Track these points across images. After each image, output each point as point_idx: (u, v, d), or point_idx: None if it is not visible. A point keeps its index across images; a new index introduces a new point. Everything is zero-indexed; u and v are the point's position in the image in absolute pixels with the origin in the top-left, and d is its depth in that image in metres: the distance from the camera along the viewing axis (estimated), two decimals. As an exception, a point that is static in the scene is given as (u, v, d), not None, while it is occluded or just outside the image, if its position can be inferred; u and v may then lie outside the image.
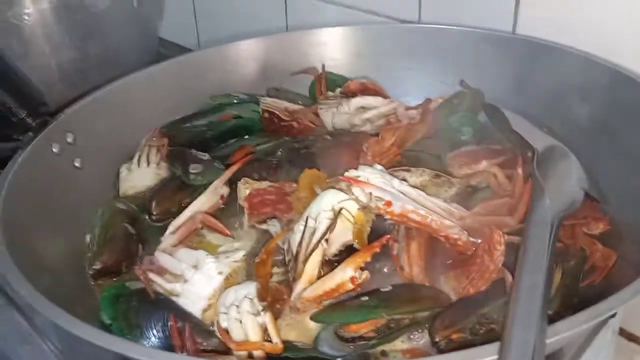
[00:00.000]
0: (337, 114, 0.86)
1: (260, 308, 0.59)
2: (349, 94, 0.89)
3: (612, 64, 0.75)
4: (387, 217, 0.65)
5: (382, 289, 0.62)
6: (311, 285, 0.61)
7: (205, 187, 0.76)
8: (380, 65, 0.96)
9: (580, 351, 0.64)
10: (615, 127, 0.73)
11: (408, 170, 0.75)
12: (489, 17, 0.90)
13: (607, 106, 0.75)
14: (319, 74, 0.93)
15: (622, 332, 0.81)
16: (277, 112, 0.89)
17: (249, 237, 0.73)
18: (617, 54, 0.76)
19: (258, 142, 0.87)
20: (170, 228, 0.72)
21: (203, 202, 0.75)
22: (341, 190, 0.67)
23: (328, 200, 0.66)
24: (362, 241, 0.64)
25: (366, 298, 0.60)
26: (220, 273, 0.64)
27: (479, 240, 0.64)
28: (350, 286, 0.59)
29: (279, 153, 0.85)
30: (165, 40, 1.46)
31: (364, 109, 0.85)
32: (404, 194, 0.67)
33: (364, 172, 0.68)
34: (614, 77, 0.74)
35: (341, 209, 0.65)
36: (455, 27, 0.92)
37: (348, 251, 0.64)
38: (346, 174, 0.68)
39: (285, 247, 0.66)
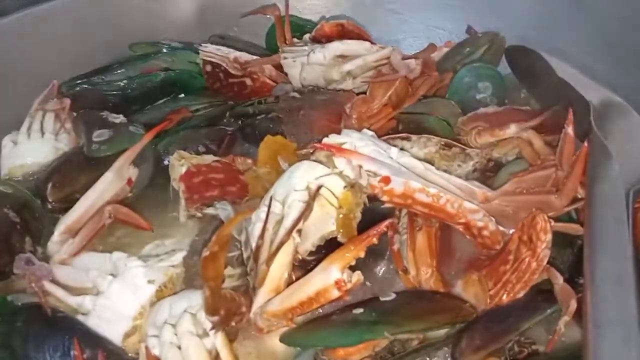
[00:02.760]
0: (307, 66, 0.78)
1: (207, 326, 0.51)
2: (323, 40, 0.82)
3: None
4: (385, 198, 0.59)
5: (382, 298, 0.56)
6: (278, 294, 0.54)
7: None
8: (362, 5, 0.91)
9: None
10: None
11: (407, 139, 0.69)
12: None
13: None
14: (280, 15, 0.86)
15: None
16: (223, 64, 0.82)
17: (186, 232, 0.65)
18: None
19: (197, 105, 0.80)
20: (60, 227, 0.63)
21: (101, 191, 0.66)
22: (319, 162, 0.60)
23: (301, 176, 0.59)
24: (349, 232, 0.57)
25: (360, 310, 0.54)
26: (150, 282, 0.57)
27: (511, 231, 0.59)
28: (336, 293, 0.52)
29: (227, 120, 0.79)
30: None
31: (344, 57, 0.78)
32: (407, 168, 0.60)
33: (350, 138, 0.61)
34: None
35: (320, 187, 0.57)
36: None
37: (329, 247, 0.56)
38: (325, 140, 0.61)
39: (243, 238, 0.58)
